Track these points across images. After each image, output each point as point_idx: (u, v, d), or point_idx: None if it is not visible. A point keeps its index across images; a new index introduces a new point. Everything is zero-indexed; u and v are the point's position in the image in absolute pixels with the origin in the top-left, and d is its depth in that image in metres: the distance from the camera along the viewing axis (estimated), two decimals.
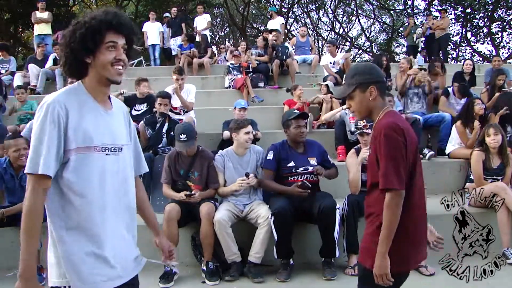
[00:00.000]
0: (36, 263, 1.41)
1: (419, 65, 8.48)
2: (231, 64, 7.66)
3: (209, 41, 10.99)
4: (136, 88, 5.70)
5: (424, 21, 12.85)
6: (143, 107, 5.54)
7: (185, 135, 3.57)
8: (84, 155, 1.46)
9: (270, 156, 3.66)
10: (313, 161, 3.63)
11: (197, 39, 9.90)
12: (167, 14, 11.20)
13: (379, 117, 1.80)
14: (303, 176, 3.56)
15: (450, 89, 5.93)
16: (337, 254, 3.39)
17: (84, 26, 1.46)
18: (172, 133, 4.57)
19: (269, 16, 10.29)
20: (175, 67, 5.77)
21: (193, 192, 3.51)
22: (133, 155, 1.70)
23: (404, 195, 1.68)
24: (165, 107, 4.81)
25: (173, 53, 10.28)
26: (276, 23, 9.92)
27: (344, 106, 5.27)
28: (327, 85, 6.22)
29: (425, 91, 5.90)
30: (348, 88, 1.84)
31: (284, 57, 7.86)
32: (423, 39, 11.07)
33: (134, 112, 5.49)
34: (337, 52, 8.50)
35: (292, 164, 3.61)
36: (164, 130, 4.72)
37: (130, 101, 5.54)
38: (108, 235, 1.50)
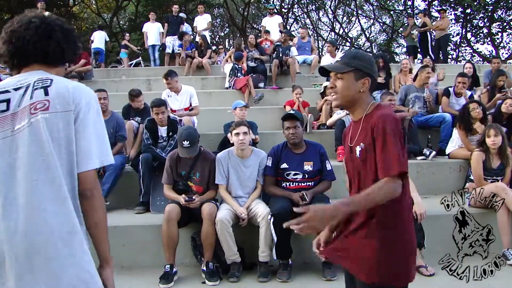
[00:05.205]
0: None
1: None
2: (235, 64, 7.64)
3: (209, 41, 10.97)
4: (130, 103, 5.33)
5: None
6: (138, 120, 5.28)
7: (188, 142, 3.52)
8: None
9: (269, 162, 3.68)
10: (308, 166, 3.60)
11: (197, 39, 9.87)
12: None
13: (367, 111, 1.68)
14: (294, 183, 3.58)
15: (451, 89, 5.92)
16: None
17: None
18: (171, 133, 4.56)
19: (268, 14, 10.20)
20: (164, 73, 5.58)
21: (193, 198, 3.48)
22: None
23: (401, 186, 1.54)
24: (162, 115, 4.50)
25: (167, 50, 10.20)
26: (273, 21, 9.80)
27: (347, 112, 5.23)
28: None
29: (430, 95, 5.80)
30: (345, 67, 1.67)
31: (283, 56, 7.84)
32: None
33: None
34: (337, 52, 8.47)
35: (285, 165, 3.62)
36: (165, 134, 4.60)
37: (126, 112, 5.35)
38: None
